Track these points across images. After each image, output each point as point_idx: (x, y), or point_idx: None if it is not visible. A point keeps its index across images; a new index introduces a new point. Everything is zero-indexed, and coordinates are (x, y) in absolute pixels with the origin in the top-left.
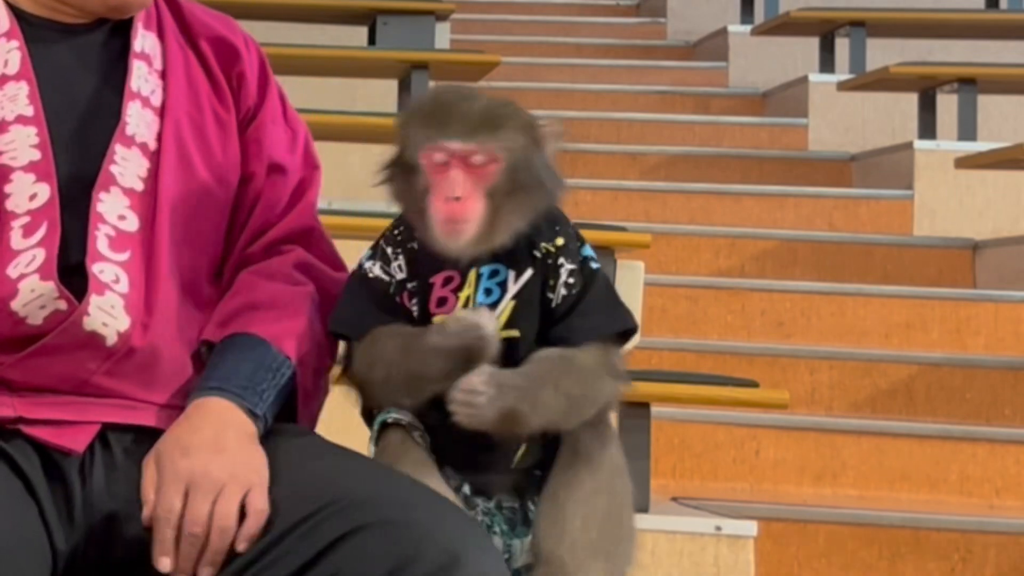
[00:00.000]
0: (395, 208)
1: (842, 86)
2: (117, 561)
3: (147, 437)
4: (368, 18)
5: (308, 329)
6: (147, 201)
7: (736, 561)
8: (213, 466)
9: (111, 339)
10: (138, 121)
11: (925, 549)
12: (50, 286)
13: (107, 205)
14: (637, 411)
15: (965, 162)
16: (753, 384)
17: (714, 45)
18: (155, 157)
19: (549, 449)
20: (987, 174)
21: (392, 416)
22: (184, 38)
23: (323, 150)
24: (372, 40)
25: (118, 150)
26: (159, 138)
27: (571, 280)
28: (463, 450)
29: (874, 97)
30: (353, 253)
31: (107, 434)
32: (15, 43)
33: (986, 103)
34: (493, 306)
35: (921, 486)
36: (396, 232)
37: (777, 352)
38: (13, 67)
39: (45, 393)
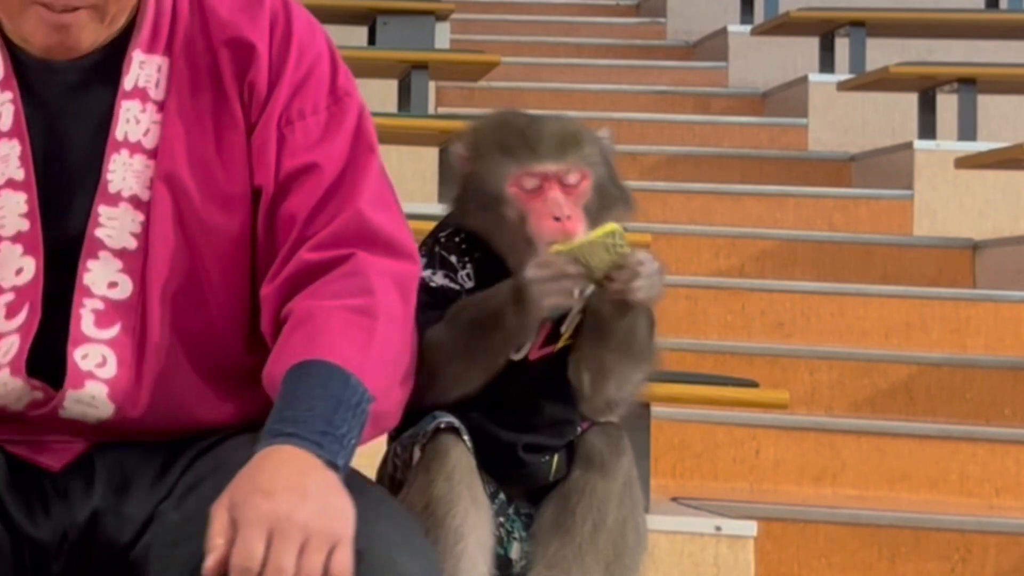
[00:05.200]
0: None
1: (842, 86)
2: (95, 567)
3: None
4: (368, 18)
5: (385, 348)
6: (142, 259)
7: (736, 561)
8: (300, 512)
9: (92, 422)
10: (124, 174)
11: (925, 549)
12: (19, 383)
13: (95, 274)
14: (637, 411)
15: (965, 162)
16: (753, 384)
17: (714, 45)
18: (148, 207)
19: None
20: (987, 174)
21: (444, 420)
22: (203, 43)
23: None
24: (372, 40)
25: (102, 211)
26: (152, 185)
27: None
28: (503, 461)
29: (874, 97)
30: None
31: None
32: (8, 95)
33: (986, 103)
34: (561, 320)
35: (921, 486)
36: (458, 240)
37: (777, 352)
38: (6, 122)
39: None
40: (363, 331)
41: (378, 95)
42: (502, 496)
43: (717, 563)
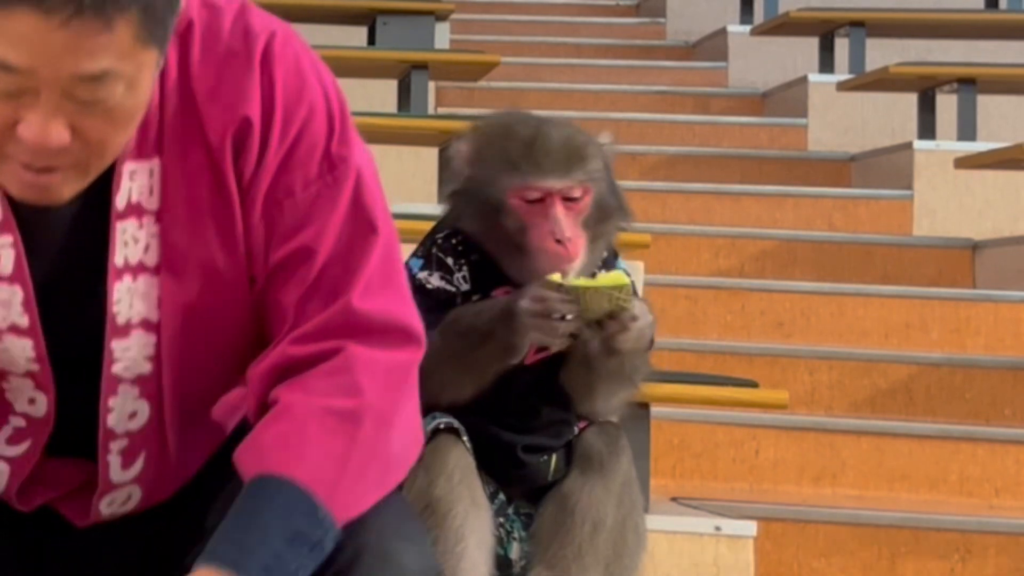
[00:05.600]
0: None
1: (842, 86)
2: None
3: None
4: (368, 18)
5: (369, 455)
6: (157, 379)
7: (736, 561)
8: None
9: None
10: (130, 300)
11: (925, 549)
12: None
13: (117, 413)
14: (637, 411)
15: (965, 162)
16: (753, 384)
17: (714, 45)
18: (159, 327)
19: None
20: (987, 174)
21: (444, 421)
22: (197, 132)
23: None
24: (372, 40)
25: (116, 346)
26: (160, 305)
27: None
28: (502, 461)
29: (874, 97)
30: None
31: None
32: (9, 238)
33: (986, 103)
34: None
35: (921, 486)
36: (455, 242)
37: (777, 352)
38: (7, 267)
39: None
40: (344, 438)
41: (378, 95)
42: (502, 496)
43: (717, 563)
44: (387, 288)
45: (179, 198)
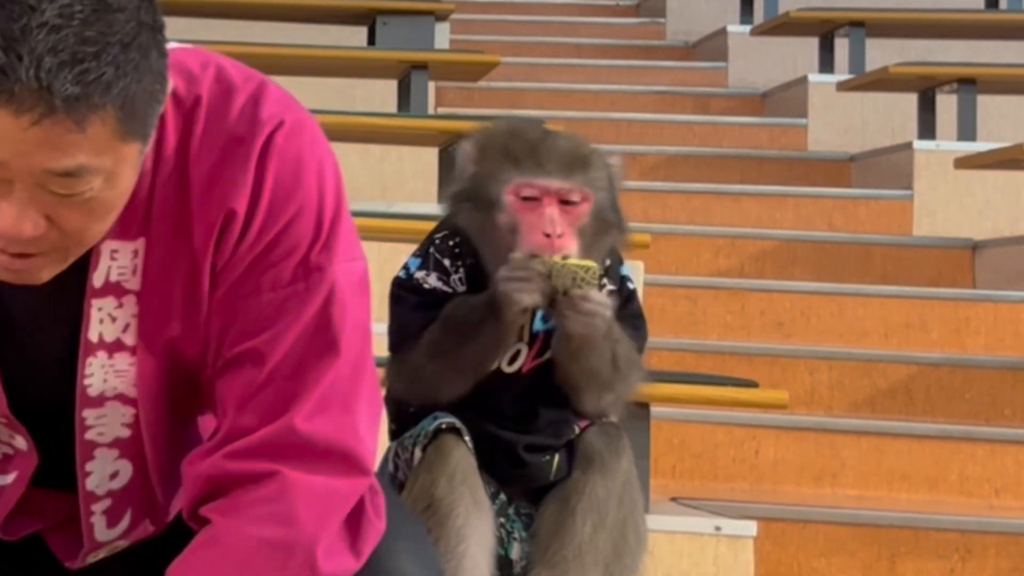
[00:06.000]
0: (392, 209)
1: (841, 86)
2: None
3: None
4: (368, 18)
5: None
6: (137, 441)
7: (736, 561)
8: None
9: None
10: (104, 375)
11: (925, 549)
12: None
13: (96, 476)
14: (637, 411)
15: (965, 162)
16: (753, 384)
17: (713, 45)
18: (136, 403)
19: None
20: (987, 174)
21: (446, 421)
22: (184, 217)
23: None
24: (372, 40)
25: (87, 415)
26: (137, 383)
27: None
28: (504, 461)
29: (873, 97)
30: None
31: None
32: None
33: (986, 103)
34: (550, 333)
35: (921, 486)
36: (452, 244)
37: (777, 352)
38: None
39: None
40: (273, 572)
41: (378, 95)
42: (503, 496)
43: (717, 563)
44: (343, 412)
45: (159, 280)
